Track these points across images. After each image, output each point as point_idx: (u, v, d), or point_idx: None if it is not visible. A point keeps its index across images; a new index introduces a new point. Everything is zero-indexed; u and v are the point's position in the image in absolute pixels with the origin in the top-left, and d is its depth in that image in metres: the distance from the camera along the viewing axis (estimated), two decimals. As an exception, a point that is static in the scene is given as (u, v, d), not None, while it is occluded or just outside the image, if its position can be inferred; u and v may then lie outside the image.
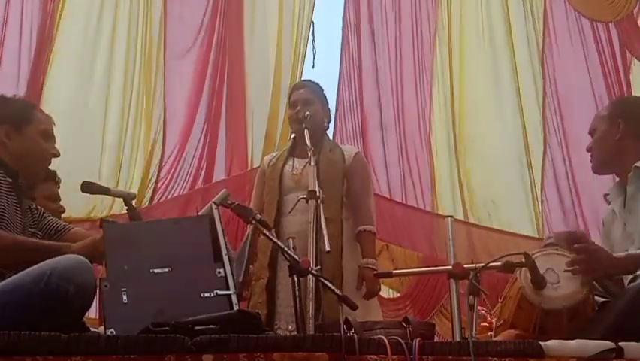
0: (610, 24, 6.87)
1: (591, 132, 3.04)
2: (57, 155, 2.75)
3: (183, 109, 6.39)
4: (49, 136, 2.73)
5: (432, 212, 6.47)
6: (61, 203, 3.56)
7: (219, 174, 6.30)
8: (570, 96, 6.79)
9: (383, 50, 6.75)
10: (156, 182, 6.17)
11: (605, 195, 3.04)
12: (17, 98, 2.85)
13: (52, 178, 3.44)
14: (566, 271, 2.55)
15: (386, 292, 6.25)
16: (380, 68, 6.72)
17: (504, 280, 2.99)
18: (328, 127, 4.08)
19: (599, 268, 2.59)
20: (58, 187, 3.50)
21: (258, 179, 3.98)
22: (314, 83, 4.11)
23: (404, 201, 6.47)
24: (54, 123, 2.77)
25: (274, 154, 4.06)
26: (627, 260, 2.66)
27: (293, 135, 3.99)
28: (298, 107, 3.80)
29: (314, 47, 6.63)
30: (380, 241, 6.12)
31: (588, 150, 3.04)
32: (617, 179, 3.00)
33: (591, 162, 3.03)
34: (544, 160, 6.73)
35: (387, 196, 6.39)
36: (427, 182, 6.53)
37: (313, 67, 6.59)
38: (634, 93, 6.73)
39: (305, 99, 3.85)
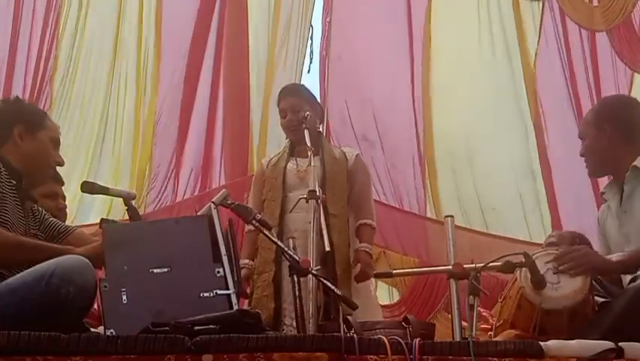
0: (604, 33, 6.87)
1: (581, 138, 3.03)
2: (62, 164, 2.77)
3: (180, 117, 6.34)
4: (57, 144, 2.75)
5: (429, 217, 6.44)
6: None
7: (219, 181, 6.25)
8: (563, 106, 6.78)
9: (369, 56, 6.69)
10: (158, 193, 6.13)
11: (602, 194, 3.05)
12: (30, 102, 2.88)
13: (53, 177, 3.44)
14: (555, 269, 2.56)
15: (382, 298, 6.24)
16: (368, 73, 6.67)
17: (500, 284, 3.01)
18: (319, 126, 4.06)
19: (585, 264, 2.59)
20: (62, 184, 3.49)
21: (256, 180, 3.97)
22: (299, 86, 4.10)
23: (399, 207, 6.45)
24: (60, 133, 2.80)
25: (271, 156, 4.05)
26: (619, 263, 2.67)
27: (288, 140, 3.97)
28: (288, 116, 3.80)
29: (312, 52, 6.60)
30: (377, 246, 6.15)
31: (582, 155, 3.03)
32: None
33: (586, 167, 3.03)
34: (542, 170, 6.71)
35: (384, 202, 6.34)
36: (418, 189, 6.50)
37: (309, 71, 6.56)
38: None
39: (292, 106, 3.83)
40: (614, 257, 2.73)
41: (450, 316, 5.86)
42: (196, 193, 6.15)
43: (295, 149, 3.87)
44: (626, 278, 2.77)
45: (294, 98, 3.90)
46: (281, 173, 3.78)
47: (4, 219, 2.45)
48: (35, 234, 2.63)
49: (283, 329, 3.47)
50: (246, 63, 6.38)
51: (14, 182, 2.56)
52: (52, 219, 2.76)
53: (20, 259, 2.38)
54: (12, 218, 2.48)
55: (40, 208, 2.75)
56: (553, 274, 2.54)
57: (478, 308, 2.44)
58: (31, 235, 2.59)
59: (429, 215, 6.46)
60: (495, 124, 6.74)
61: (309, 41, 6.59)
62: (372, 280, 4.52)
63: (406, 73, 6.66)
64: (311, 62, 6.57)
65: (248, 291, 3.61)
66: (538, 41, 6.84)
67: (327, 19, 6.60)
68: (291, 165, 3.81)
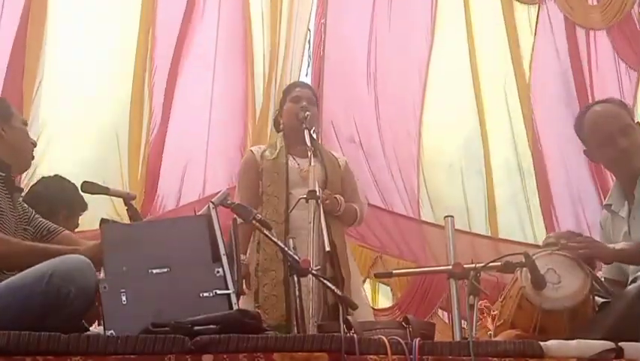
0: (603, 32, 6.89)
1: (621, 134, 2.86)
2: (35, 145, 2.81)
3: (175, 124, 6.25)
4: (26, 126, 2.79)
5: (425, 221, 6.41)
6: None
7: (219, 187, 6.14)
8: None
9: (357, 57, 6.59)
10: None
11: (609, 206, 2.96)
12: None
13: (84, 210, 3.72)
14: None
15: (376, 303, 6.23)
16: (357, 74, 6.58)
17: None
18: (316, 129, 4.08)
19: (591, 247, 2.62)
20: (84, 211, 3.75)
21: (247, 169, 3.89)
22: (312, 86, 4.13)
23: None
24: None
25: (262, 147, 4.00)
26: (628, 251, 2.67)
27: (282, 132, 3.96)
28: (303, 103, 3.79)
29: (310, 55, 6.57)
30: (374, 251, 6.14)
31: (624, 153, 2.86)
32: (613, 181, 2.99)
33: (623, 167, 2.90)
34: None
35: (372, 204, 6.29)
36: (412, 193, 6.48)
37: (307, 74, 6.51)
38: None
39: (309, 97, 3.86)
40: (618, 245, 2.73)
41: (443, 318, 5.95)
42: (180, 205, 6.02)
43: (291, 146, 3.85)
44: (628, 278, 2.77)
45: (311, 92, 3.97)
46: (283, 169, 3.75)
47: None
48: (25, 228, 2.64)
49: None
50: (244, 68, 6.31)
51: (3, 174, 2.57)
52: (41, 219, 2.76)
53: (30, 263, 2.37)
54: (4, 212, 2.49)
55: (30, 208, 2.76)
56: (550, 269, 2.55)
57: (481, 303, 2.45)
58: (20, 229, 2.60)
59: (422, 217, 6.43)
60: (490, 124, 6.73)
61: (308, 45, 6.57)
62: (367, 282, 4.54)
63: (398, 74, 6.64)
64: (309, 66, 6.54)
65: (246, 289, 3.57)
66: (534, 42, 6.84)
67: (322, 21, 6.57)
68: (292, 162, 3.80)
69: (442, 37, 6.75)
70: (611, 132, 2.87)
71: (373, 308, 5.55)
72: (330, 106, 6.34)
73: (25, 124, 2.78)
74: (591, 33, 6.87)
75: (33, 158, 2.83)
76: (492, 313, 2.79)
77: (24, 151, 2.73)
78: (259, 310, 3.49)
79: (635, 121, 2.92)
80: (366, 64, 6.56)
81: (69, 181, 3.73)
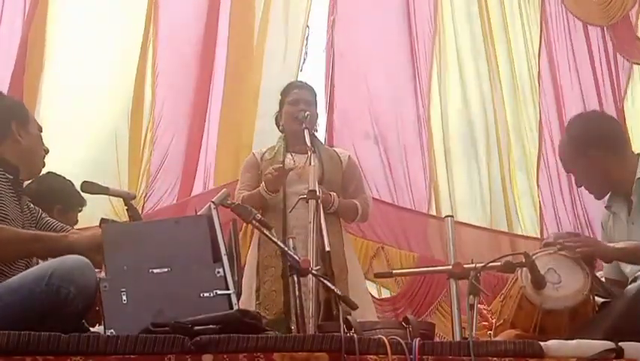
0: (604, 28, 6.91)
1: (569, 172, 3.03)
2: (47, 152, 2.80)
3: (172, 120, 6.22)
4: (41, 132, 2.78)
5: (428, 214, 6.42)
6: None
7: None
8: (565, 99, 6.80)
9: (371, 53, 6.63)
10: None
11: (610, 207, 2.98)
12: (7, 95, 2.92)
13: (82, 205, 3.74)
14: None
15: (378, 292, 6.23)
16: (371, 70, 6.62)
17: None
18: (316, 128, 4.11)
19: (590, 245, 2.65)
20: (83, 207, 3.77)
21: (248, 169, 3.95)
22: (310, 85, 4.15)
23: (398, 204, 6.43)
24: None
25: (264, 149, 4.05)
26: (628, 249, 2.68)
27: (283, 135, 3.98)
28: (301, 106, 3.83)
29: (306, 52, 6.56)
30: (375, 242, 6.14)
31: (579, 187, 3.02)
32: None
33: (590, 193, 3.01)
34: (539, 161, 6.72)
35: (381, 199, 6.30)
36: (420, 186, 6.48)
37: (301, 70, 6.51)
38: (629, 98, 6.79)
39: (307, 100, 3.90)
40: (618, 244, 2.73)
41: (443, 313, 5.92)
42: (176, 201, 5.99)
43: (290, 145, 3.88)
44: (629, 278, 2.77)
45: (309, 93, 4.00)
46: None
47: (4, 215, 2.45)
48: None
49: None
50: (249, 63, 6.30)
51: (11, 177, 2.56)
52: (48, 218, 2.76)
53: (18, 251, 2.38)
54: (10, 214, 2.48)
55: (37, 207, 2.76)
56: (553, 272, 2.55)
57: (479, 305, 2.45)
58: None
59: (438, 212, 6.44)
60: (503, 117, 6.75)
61: (305, 42, 6.56)
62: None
63: (410, 70, 6.65)
64: (304, 62, 6.53)
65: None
66: (540, 35, 6.86)
67: (332, 17, 6.59)
68: (288, 161, 3.83)
69: (448, 25, 6.81)
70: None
71: (375, 298, 5.54)
72: (343, 104, 6.37)
73: (41, 130, 2.77)
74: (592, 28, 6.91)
75: (44, 165, 2.82)
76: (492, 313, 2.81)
77: (36, 158, 2.72)
78: (260, 308, 3.52)
79: (588, 148, 2.90)
80: (377, 60, 6.60)
81: (64, 178, 3.73)
